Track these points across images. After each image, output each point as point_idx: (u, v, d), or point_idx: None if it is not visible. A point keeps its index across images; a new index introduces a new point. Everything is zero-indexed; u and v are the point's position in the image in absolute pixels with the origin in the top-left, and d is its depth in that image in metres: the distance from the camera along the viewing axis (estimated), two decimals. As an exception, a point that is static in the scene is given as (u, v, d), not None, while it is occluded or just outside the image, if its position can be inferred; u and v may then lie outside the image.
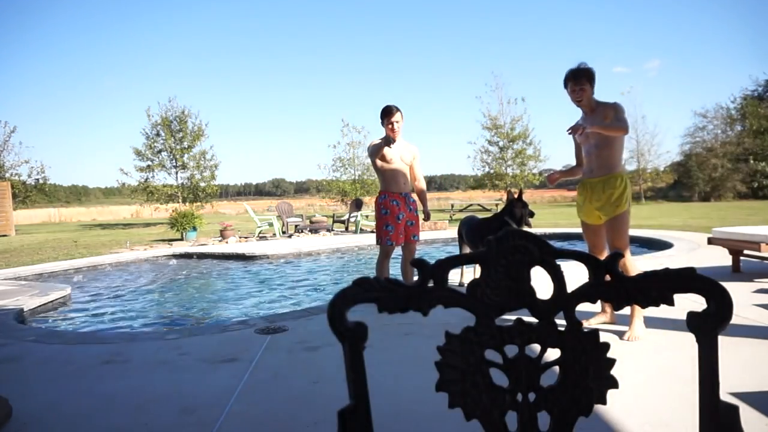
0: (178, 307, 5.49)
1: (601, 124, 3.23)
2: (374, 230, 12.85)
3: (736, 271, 5.22)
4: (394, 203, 4.28)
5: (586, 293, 0.79)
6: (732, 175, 31.56)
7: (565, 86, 3.44)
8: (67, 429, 2.28)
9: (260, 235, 12.50)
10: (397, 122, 4.26)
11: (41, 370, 3.11)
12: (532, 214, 4.56)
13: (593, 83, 3.37)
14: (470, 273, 5.25)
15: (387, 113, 4.25)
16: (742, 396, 2.20)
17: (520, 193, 4.59)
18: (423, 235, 10.59)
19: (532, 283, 0.80)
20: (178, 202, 20.62)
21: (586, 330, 0.79)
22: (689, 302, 0.92)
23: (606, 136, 3.29)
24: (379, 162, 4.31)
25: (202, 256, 9.20)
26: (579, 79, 3.33)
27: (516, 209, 4.47)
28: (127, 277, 7.45)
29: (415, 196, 4.58)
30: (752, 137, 32.29)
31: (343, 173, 23.91)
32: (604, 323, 3.40)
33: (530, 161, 25.27)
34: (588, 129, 3.23)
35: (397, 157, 4.32)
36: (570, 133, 3.37)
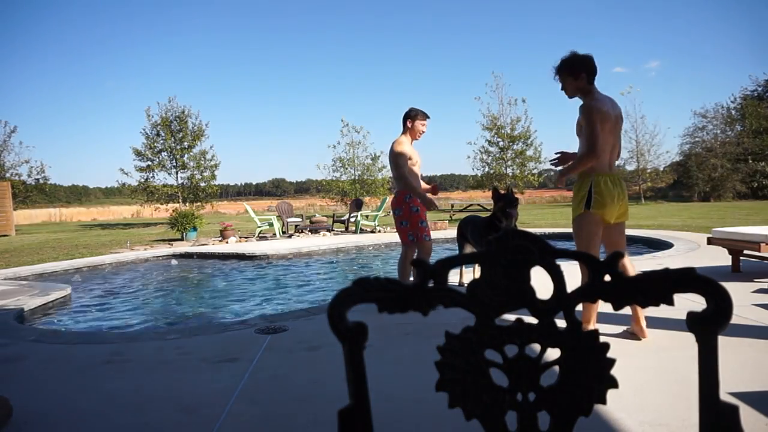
0: (178, 307, 5.49)
1: (566, 167, 3.31)
2: (374, 230, 12.69)
3: (736, 271, 5.21)
4: (418, 201, 4.34)
5: (586, 293, 0.79)
6: (732, 175, 31.52)
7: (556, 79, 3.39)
8: (68, 429, 2.28)
9: (260, 235, 12.50)
10: (424, 125, 4.40)
11: (42, 369, 3.11)
12: (512, 203, 4.51)
13: (577, 74, 3.19)
14: (470, 273, 5.25)
15: (423, 116, 4.36)
16: (742, 396, 2.20)
17: (494, 191, 4.63)
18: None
19: (532, 283, 0.80)
20: (179, 202, 20.62)
21: (586, 330, 0.79)
22: (689, 302, 0.92)
23: (584, 139, 3.18)
24: (409, 161, 4.29)
25: (202, 256, 9.20)
26: (560, 74, 3.28)
27: (495, 207, 4.55)
28: (128, 277, 7.45)
29: None
30: (752, 137, 32.26)
31: (343, 173, 23.91)
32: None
33: (530, 162, 25.27)
34: (565, 175, 3.31)
35: (417, 159, 4.39)
36: (558, 186, 3.43)
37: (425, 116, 4.35)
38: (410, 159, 4.25)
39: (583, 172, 3.21)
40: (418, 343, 3.26)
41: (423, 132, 4.36)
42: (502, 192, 4.63)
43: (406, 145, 4.28)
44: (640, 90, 49.89)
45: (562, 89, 3.32)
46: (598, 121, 3.07)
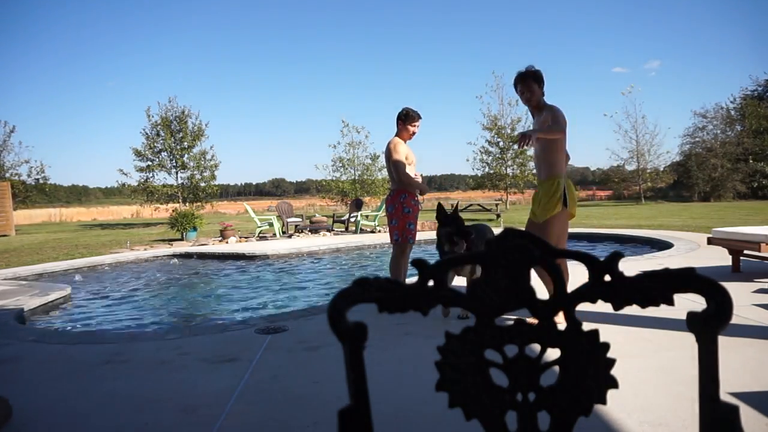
0: (178, 307, 5.49)
1: (541, 130, 3.47)
2: (374, 230, 12.74)
3: (736, 271, 5.21)
4: (413, 202, 4.41)
5: (585, 293, 0.79)
6: (732, 175, 31.49)
7: (515, 88, 3.68)
8: (67, 429, 2.28)
9: (260, 235, 12.49)
10: (417, 126, 4.49)
11: (41, 370, 3.11)
12: (463, 234, 3.66)
13: (541, 84, 3.59)
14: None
15: (413, 118, 4.44)
16: (742, 396, 2.20)
17: (439, 208, 3.89)
18: (423, 235, 10.66)
19: (532, 283, 0.80)
20: (178, 202, 20.62)
21: (586, 330, 0.79)
22: (689, 302, 0.92)
23: (543, 143, 3.51)
24: (404, 162, 4.39)
25: (202, 256, 9.20)
26: (526, 81, 3.57)
27: (440, 230, 3.77)
28: (128, 277, 7.45)
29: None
30: (752, 137, 32.24)
31: (343, 173, 23.93)
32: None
33: (530, 162, 25.27)
34: (533, 137, 3.39)
35: (413, 159, 4.49)
36: (521, 146, 3.41)
37: (416, 117, 4.44)
38: (407, 158, 4.40)
39: (552, 173, 3.49)
40: (418, 343, 3.26)
41: (414, 132, 4.48)
42: (449, 212, 3.82)
43: (401, 146, 4.40)
44: (641, 89, 49.59)
45: (522, 94, 3.64)
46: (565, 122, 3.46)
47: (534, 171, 22.49)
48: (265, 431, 2.17)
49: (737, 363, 2.62)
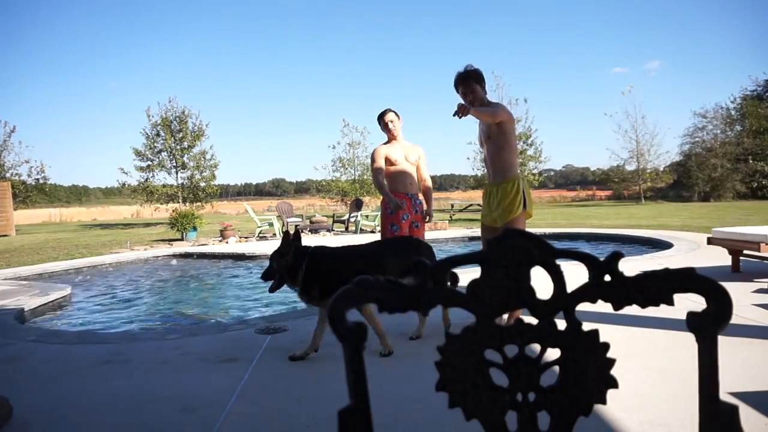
0: (178, 307, 5.49)
1: (479, 108, 3.30)
2: (374, 230, 12.76)
3: (736, 271, 5.21)
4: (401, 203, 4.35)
5: (586, 293, 0.79)
6: (731, 175, 31.52)
7: (456, 90, 3.50)
8: (68, 429, 2.28)
9: (260, 235, 12.50)
10: (391, 121, 4.36)
11: (42, 370, 3.11)
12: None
13: (482, 84, 3.47)
14: None
15: (380, 115, 4.42)
16: (742, 396, 2.20)
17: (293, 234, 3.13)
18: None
19: (532, 283, 0.80)
20: (178, 202, 20.62)
21: (586, 330, 0.79)
22: (689, 302, 0.92)
23: (497, 143, 3.43)
24: (385, 164, 4.35)
25: (202, 256, 9.20)
26: (467, 81, 3.42)
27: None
28: (128, 277, 7.45)
29: (421, 196, 4.62)
30: (752, 137, 32.25)
31: (343, 173, 23.94)
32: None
33: (531, 162, 25.30)
34: (470, 111, 3.13)
35: (401, 157, 4.38)
36: (459, 116, 3.09)
37: (384, 114, 4.38)
38: (387, 160, 4.35)
39: (510, 174, 3.42)
40: (418, 343, 3.26)
41: (390, 128, 4.36)
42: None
43: (379, 149, 4.41)
44: (640, 89, 49.66)
45: (464, 96, 3.43)
46: (510, 121, 3.43)
47: (534, 171, 22.25)
48: (265, 431, 2.17)
49: (737, 363, 2.62)
